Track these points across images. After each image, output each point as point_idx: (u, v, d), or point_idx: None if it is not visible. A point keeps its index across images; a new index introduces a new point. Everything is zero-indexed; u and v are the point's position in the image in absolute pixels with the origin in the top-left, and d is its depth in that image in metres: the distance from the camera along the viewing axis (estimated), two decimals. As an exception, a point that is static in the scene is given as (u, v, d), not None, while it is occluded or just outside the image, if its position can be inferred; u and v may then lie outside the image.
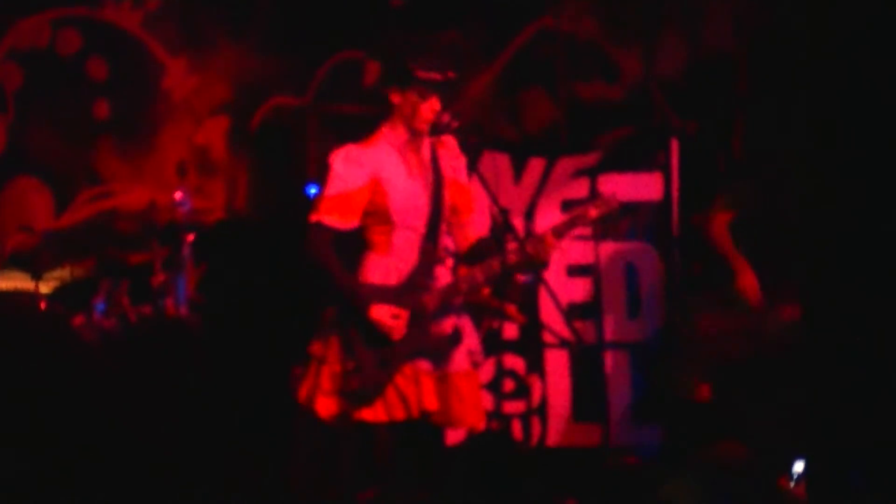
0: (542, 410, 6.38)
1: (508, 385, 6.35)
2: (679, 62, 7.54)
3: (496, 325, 6.36)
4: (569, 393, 6.37)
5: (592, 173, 6.37)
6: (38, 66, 8.20)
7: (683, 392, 6.08)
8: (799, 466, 5.43)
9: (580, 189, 6.33)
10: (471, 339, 4.73)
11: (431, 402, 4.59)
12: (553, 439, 6.36)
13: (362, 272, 4.67)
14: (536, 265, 4.66)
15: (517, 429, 6.36)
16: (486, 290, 5.95)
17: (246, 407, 6.15)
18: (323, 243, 4.58)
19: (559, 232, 4.64)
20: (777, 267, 5.69)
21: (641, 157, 6.41)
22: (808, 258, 5.44)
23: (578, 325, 6.32)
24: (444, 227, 4.76)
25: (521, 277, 6.12)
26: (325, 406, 4.61)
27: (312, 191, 7.07)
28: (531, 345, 6.41)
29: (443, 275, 4.73)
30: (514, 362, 6.39)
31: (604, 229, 6.33)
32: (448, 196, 4.74)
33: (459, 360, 4.66)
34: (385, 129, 4.71)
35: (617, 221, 6.21)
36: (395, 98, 4.65)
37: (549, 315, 6.32)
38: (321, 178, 4.69)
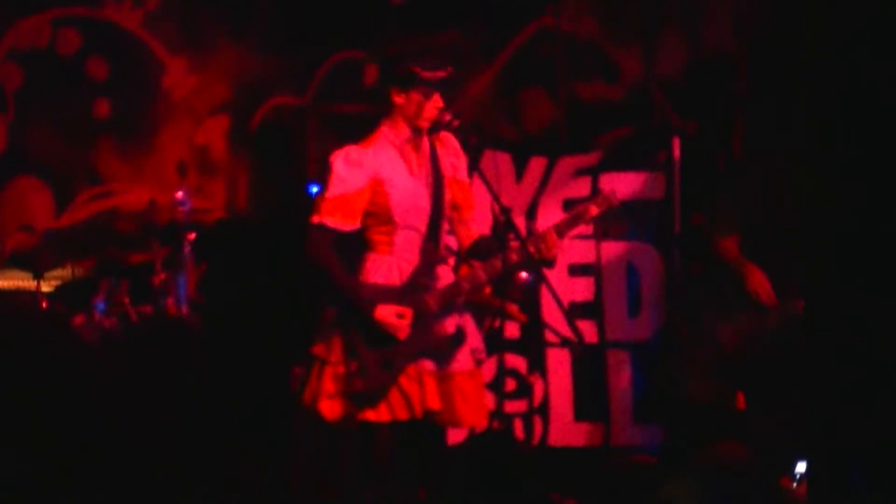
0: (543, 410, 6.38)
1: (510, 384, 6.35)
2: (679, 62, 7.53)
3: (497, 325, 6.36)
4: (570, 392, 6.37)
5: (593, 172, 6.37)
6: (38, 66, 8.18)
7: (684, 392, 6.07)
8: (801, 467, 5.43)
9: (581, 188, 6.32)
10: (473, 339, 4.73)
11: (435, 402, 4.59)
12: (554, 439, 6.36)
13: (363, 272, 4.67)
14: (541, 263, 4.65)
15: (519, 428, 6.35)
16: (488, 290, 5.95)
17: (246, 407, 6.14)
18: (324, 245, 4.57)
19: (561, 230, 4.64)
20: (778, 266, 5.69)
21: (642, 157, 6.41)
22: (808, 258, 5.45)
23: (580, 324, 6.31)
24: (445, 225, 4.75)
25: (524, 276, 6.11)
26: (330, 408, 4.60)
27: (314, 189, 7.07)
28: (532, 344, 6.41)
29: (445, 274, 4.73)
30: (516, 361, 6.39)
31: (605, 229, 6.33)
32: (448, 194, 4.74)
33: (463, 359, 4.66)
34: (385, 128, 4.70)
35: (617, 219, 6.21)
36: (398, 98, 4.64)
37: (551, 314, 6.31)
38: (321, 178, 4.68)
